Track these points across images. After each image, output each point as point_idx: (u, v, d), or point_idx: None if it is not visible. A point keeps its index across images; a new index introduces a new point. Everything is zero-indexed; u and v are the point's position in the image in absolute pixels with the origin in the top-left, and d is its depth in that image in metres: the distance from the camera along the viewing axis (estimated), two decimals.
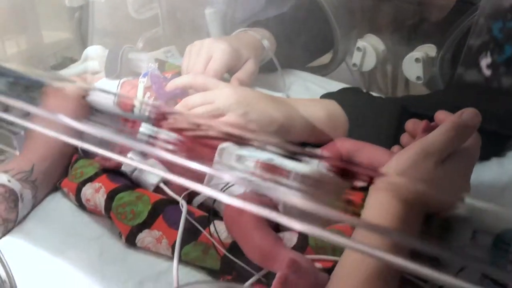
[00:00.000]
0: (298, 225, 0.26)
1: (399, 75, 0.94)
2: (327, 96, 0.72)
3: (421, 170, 0.47)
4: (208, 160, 0.63)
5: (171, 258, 0.55)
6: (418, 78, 0.87)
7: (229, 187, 0.58)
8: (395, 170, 0.48)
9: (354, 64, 0.94)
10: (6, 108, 0.36)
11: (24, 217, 0.63)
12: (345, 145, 0.63)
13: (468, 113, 0.48)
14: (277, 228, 0.55)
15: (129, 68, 0.83)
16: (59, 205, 0.66)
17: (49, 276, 0.55)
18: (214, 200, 0.59)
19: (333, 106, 0.69)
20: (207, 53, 0.78)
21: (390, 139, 0.62)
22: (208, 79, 0.72)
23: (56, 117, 0.31)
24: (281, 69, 0.90)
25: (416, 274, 0.21)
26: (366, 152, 0.62)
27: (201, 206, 0.61)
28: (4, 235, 0.61)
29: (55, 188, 0.68)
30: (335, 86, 0.90)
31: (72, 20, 1.13)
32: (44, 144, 0.67)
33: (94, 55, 0.90)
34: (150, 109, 0.37)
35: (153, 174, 0.62)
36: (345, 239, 0.33)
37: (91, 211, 0.63)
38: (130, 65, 0.83)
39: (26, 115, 0.35)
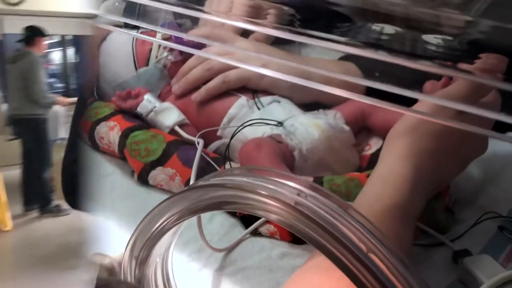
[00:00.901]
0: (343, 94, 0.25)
1: None
2: (345, 58, 0.72)
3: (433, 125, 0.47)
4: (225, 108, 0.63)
5: None
6: None
7: (242, 128, 0.58)
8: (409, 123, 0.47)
9: None
10: None
11: None
12: (360, 105, 0.63)
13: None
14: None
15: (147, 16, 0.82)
16: None
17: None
18: (227, 147, 0.58)
19: (351, 67, 0.69)
20: (226, 9, 0.77)
21: (408, 101, 0.61)
22: (225, 32, 0.72)
23: None
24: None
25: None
26: (381, 113, 0.62)
27: (215, 153, 0.61)
28: None
29: None
30: None
31: None
32: None
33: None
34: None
35: (168, 116, 0.61)
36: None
37: (103, 151, 0.63)
38: (148, 15, 0.82)
39: None
